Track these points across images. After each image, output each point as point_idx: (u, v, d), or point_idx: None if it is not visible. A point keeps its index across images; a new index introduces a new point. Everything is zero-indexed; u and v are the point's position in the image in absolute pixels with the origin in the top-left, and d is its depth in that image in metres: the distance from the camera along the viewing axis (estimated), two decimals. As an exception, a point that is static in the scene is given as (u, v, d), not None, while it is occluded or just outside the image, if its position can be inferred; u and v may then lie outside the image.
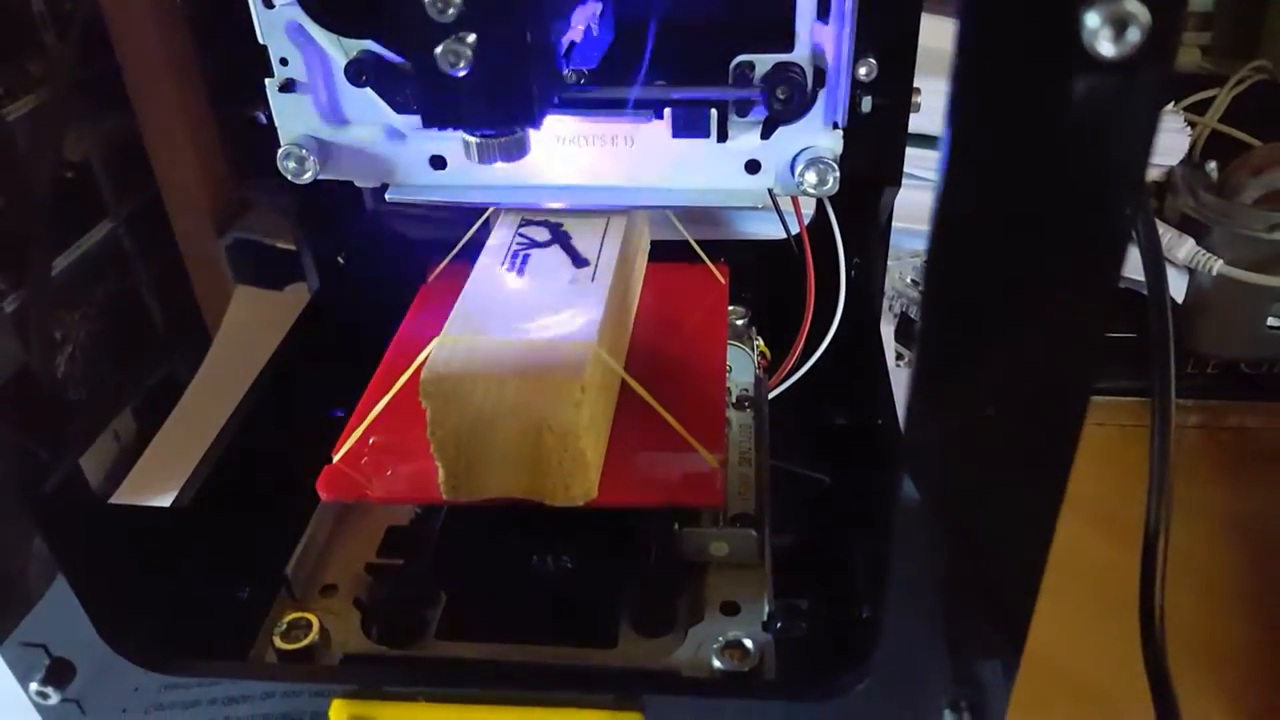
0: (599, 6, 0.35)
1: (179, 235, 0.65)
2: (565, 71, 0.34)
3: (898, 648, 0.28)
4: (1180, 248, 0.59)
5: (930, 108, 0.38)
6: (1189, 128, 0.63)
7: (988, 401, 0.23)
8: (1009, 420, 0.24)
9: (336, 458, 0.37)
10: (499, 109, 0.30)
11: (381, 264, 0.52)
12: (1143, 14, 0.16)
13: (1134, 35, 0.16)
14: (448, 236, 0.47)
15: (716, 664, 0.34)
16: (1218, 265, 0.58)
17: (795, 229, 0.45)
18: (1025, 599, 0.27)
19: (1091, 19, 0.16)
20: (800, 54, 0.35)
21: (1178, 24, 0.16)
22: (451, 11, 0.26)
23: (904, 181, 0.44)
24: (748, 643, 0.34)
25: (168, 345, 0.66)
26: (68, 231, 0.58)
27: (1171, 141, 0.61)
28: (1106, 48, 0.16)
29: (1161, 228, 0.59)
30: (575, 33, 0.33)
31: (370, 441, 0.37)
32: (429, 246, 0.48)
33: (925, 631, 0.28)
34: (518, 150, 0.32)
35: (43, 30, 0.56)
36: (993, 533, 0.26)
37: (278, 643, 0.35)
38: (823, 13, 0.35)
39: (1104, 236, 0.20)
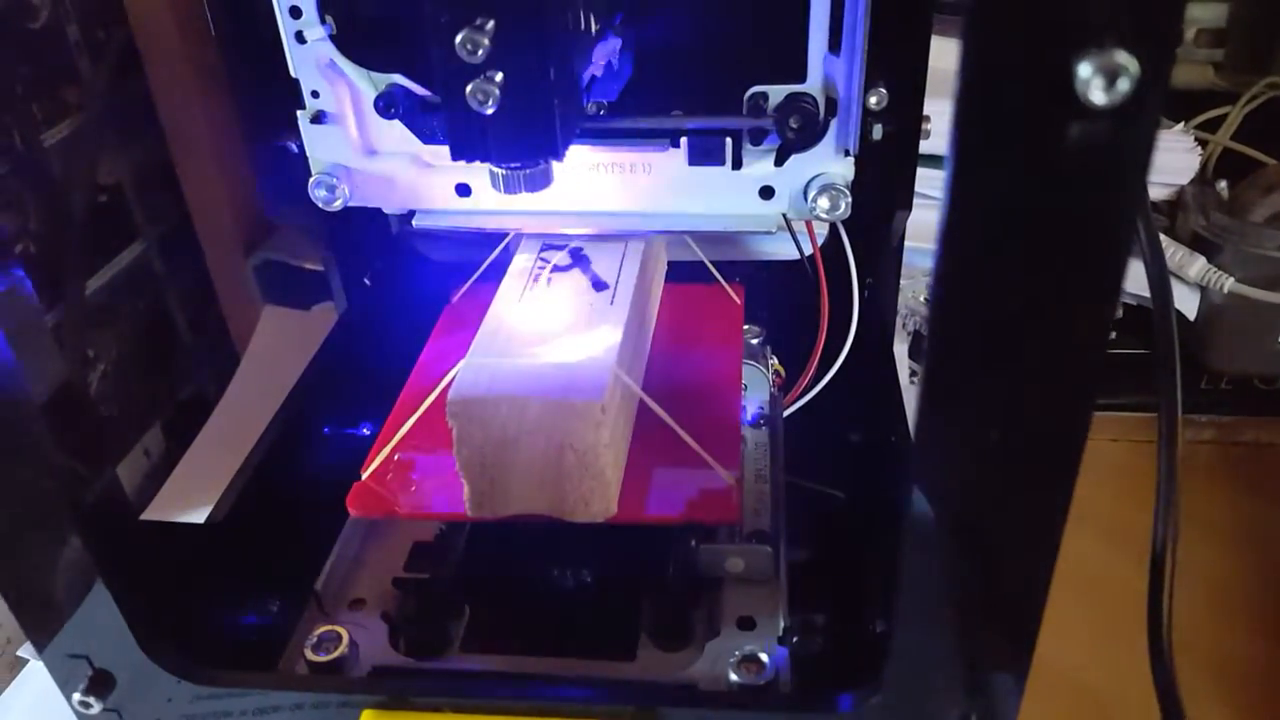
0: (619, 43, 0.36)
1: (208, 256, 0.66)
2: (587, 104, 0.35)
3: (909, 662, 0.29)
4: (1192, 266, 0.59)
5: (940, 129, 0.39)
6: (1199, 147, 0.63)
7: (993, 422, 0.24)
8: (1014, 439, 0.24)
9: (365, 475, 0.38)
10: (524, 143, 0.31)
11: (407, 285, 0.53)
12: (1132, 65, 0.17)
13: (1124, 85, 0.17)
14: (471, 259, 0.49)
15: (732, 677, 0.34)
16: (1229, 283, 0.58)
17: (809, 250, 0.46)
18: (1032, 612, 0.27)
19: (1084, 69, 0.17)
20: (812, 85, 0.37)
21: (1166, 75, 0.17)
22: (481, 53, 0.28)
23: (916, 201, 0.45)
24: (763, 657, 0.35)
25: (197, 364, 0.68)
26: (100, 253, 0.60)
27: (1181, 161, 0.62)
28: (1098, 96, 0.17)
29: (1173, 246, 0.60)
30: (596, 68, 0.35)
31: (397, 459, 0.38)
32: (453, 268, 0.50)
33: (936, 646, 0.29)
34: (542, 181, 0.33)
35: (78, 58, 0.58)
36: (1000, 548, 0.27)
37: (308, 655, 0.36)
38: (834, 45, 0.36)
39: (1101, 267, 0.21)
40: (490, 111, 0.29)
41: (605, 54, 0.35)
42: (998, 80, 0.18)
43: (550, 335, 0.38)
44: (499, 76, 0.29)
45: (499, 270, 0.44)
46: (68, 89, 0.57)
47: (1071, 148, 0.18)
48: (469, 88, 0.29)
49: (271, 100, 0.41)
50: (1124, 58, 0.17)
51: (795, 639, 0.37)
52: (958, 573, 0.27)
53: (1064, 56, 0.18)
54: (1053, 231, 0.20)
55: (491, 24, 0.28)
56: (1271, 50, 0.80)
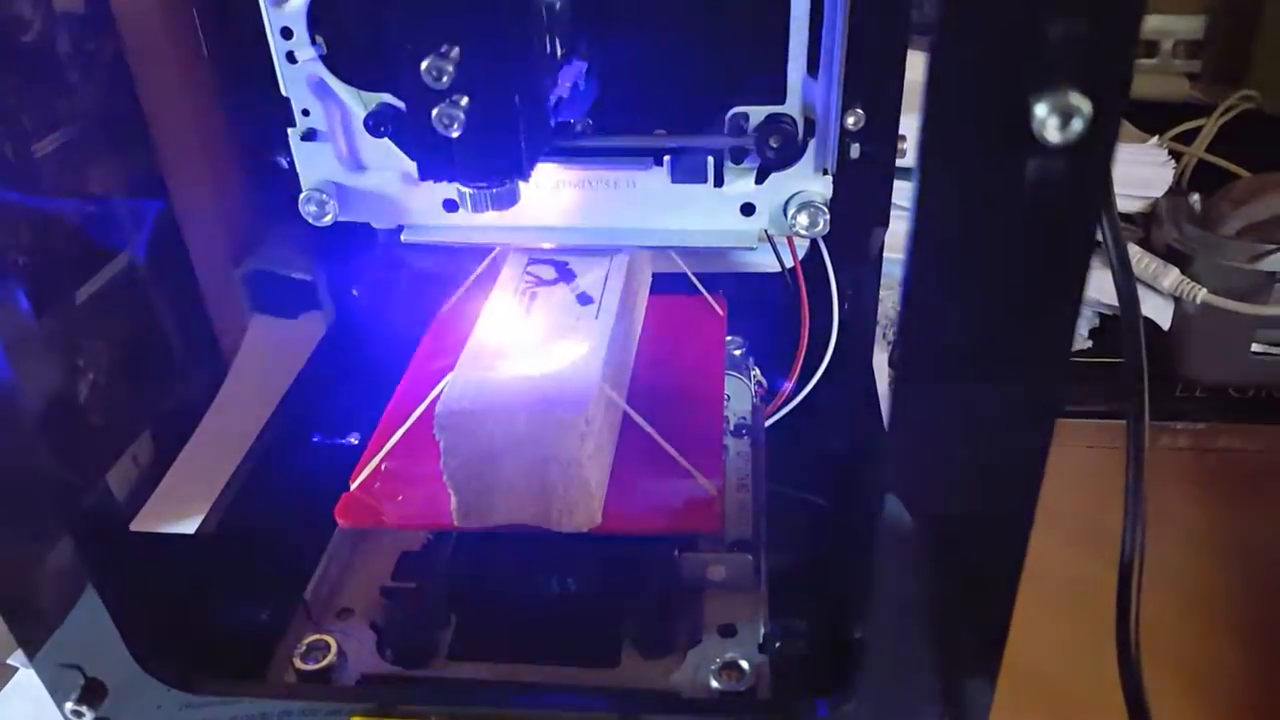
0: (584, 66, 0.37)
1: (197, 266, 0.67)
2: (571, 123, 0.36)
3: (884, 667, 0.30)
4: (1165, 277, 0.60)
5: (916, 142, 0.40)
6: (1173, 160, 0.64)
7: (960, 432, 0.25)
8: (980, 449, 0.25)
9: (354, 485, 0.38)
10: (490, 164, 0.32)
11: (394, 296, 0.54)
12: (1085, 106, 0.18)
13: (1077, 125, 0.18)
14: (459, 271, 0.49)
15: (714, 684, 0.35)
16: (1201, 294, 0.59)
17: (790, 264, 0.47)
18: (1001, 616, 0.28)
19: (1040, 109, 0.18)
20: (792, 106, 0.37)
21: (1118, 115, 0.18)
22: (445, 79, 0.29)
23: (894, 214, 0.46)
24: (744, 664, 0.35)
25: (185, 372, 0.68)
26: (90, 263, 0.60)
27: (1155, 174, 0.63)
28: (1053, 135, 0.18)
29: (1147, 257, 0.61)
30: (563, 89, 0.35)
31: (385, 469, 0.39)
32: (440, 280, 0.50)
33: (909, 651, 0.30)
34: (509, 200, 0.34)
35: (68, 70, 0.58)
36: (969, 552, 0.28)
37: (297, 663, 0.37)
38: (813, 68, 0.37)
39: (1059, 291, 0.22)
40: (455, 135, 0.30)
41: (571, 76, 0.36)
42: (959, 118, 0.19)
43: (536, 348, 0.39)
44: (464, 101, 0.29)
45: (487, 283, 0.44)
46: (58, 100, 0.57)
47: (1029, 182, 0.19)
48: (435, 112, 0.29)
49: (262, 118, 0.42)
50: (1078, 98, 0.18)
51: (776, 646, 0.37)
52: (929, 578, 0.28)
53: (1021, 96, 0.19)
54: (1012, 259, 0.21)
55: (456, 51, 0.29)
56: (1247, 61, 0.81)
